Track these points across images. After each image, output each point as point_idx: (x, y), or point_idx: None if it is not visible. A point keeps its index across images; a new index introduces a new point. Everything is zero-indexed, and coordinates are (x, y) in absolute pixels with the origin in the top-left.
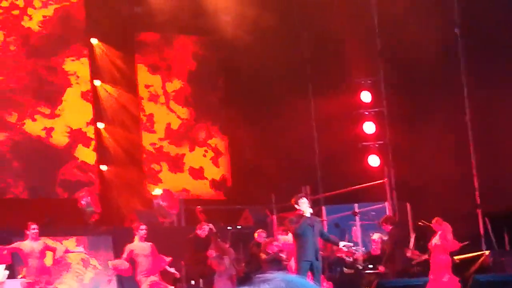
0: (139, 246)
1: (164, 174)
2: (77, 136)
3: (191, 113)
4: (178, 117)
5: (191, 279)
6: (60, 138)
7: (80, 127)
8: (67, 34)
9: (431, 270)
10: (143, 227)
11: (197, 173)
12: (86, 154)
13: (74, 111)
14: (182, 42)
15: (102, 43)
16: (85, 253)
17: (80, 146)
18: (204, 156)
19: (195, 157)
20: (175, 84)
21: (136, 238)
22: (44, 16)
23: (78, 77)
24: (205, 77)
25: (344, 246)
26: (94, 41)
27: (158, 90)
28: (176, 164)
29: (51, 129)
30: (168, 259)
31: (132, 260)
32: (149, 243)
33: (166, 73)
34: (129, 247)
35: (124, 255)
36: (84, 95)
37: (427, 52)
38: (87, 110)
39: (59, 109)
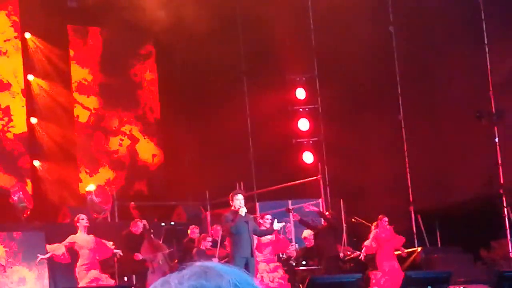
0: (83, 238)
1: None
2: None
3: (99, 101)
4: (86, 107)
5: (124, 275)
6: None
7: None
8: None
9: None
10: (83, 216)
11: (117, 164)
12: None
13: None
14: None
15: (36, 37)
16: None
17: None
18: (120, 145)
19: (112, 147)
20: (81, 74)
21: (79, 230)
22: None
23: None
24: (119, 67)
25: (279, 227)
26: (27, 35)
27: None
28: (94, 158)
29: None
30: (110, 244)
31: (72, 251)
32: (91, 236)
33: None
34: (72, 237)
35: (65, 242)
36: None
37: (362, 50)
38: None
39: None
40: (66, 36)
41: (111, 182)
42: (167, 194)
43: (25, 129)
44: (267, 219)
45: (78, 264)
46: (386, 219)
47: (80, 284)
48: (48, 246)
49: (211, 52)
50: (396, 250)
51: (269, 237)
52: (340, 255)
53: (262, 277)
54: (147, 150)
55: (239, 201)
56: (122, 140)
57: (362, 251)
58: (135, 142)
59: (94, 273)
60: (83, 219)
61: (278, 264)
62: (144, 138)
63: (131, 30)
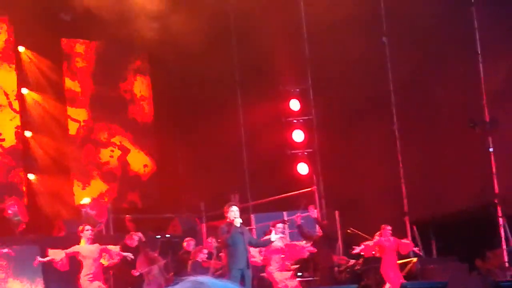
0: (87, 248)
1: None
2: None
3: (88, 114)
4: (75, 120)
5: None
6: None
7: None
8: None
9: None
10: (88, 227)
11: (109, 176)
12: None
13: None
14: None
15: (29, 50)
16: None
17: None
18: (111, 156)
19: (103, 159)
20: (71, 86)
21: (83, 241)
22: None
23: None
24: (112, 79)
25: (276, 239)
26: (21, 49)
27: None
28: (86, 170)
29: None
30: (116, 248)
31: (73, 260)
32: (97, 245)
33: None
34: (76, 247)
35: (67, 250)
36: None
37: (355, 61)
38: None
39: None
40: (59, 49)
41: (103, 195)
42: (163, 206)
43: (14, 142)
44: (279, 227)
45: (82, 274)
46: (389, 227)
47: None
48: (49, 250)
49: (205, 63)
50: (407, 256)
51: (279, 244)
52: (335, 269)
53: (285, 285)
54: (138, 161)
55: (233, 212)
56: (112, 151)
57: (360, 248)
58: (126, 153)
59: (98, 284)
60: (87, 230)
61: (291, 273)
62: (135, 149)
63: (124, 43)
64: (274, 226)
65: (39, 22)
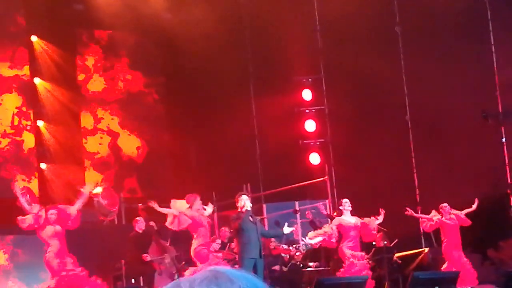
0: (199, 218)
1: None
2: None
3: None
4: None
5: (132, 277)
6: None
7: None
8: (4, 31)
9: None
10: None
11: (102, 165)
12: None
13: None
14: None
15: (42, 40)
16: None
17: None
18: (101, 144)
19: (92, 147)
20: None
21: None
22: None
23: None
24: (123, 69)
25: (289, 231)
26: (34, 38)
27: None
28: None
29: None
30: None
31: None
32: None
33: None
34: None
35: (174, 211)
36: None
37: (368, 50)
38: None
39: None
40: (73, 38)
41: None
42: (175, 196)
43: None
44: (346, 202)
45: (196, 242)
46: (446, 204)
47: (201, 267)
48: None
49: (218, 54)
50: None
51: (353, 221)
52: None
53: (352, 262)
54: (130, 144)
55: (243, 201)
56: (101, 138)
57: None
58: (115, 138)
59: (214, 259)
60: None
61: (363, 253)
62: (125, 132)
63: (137, 32)
64: (340, 204)
65: (52, 11)
